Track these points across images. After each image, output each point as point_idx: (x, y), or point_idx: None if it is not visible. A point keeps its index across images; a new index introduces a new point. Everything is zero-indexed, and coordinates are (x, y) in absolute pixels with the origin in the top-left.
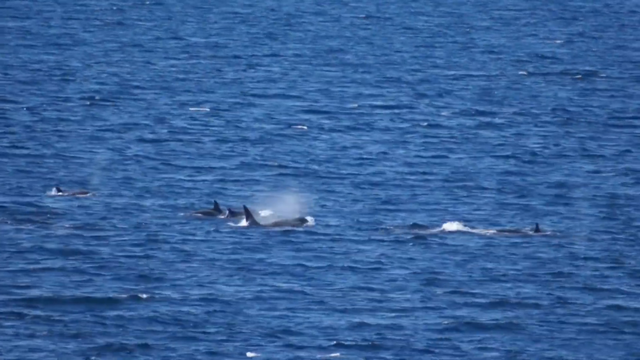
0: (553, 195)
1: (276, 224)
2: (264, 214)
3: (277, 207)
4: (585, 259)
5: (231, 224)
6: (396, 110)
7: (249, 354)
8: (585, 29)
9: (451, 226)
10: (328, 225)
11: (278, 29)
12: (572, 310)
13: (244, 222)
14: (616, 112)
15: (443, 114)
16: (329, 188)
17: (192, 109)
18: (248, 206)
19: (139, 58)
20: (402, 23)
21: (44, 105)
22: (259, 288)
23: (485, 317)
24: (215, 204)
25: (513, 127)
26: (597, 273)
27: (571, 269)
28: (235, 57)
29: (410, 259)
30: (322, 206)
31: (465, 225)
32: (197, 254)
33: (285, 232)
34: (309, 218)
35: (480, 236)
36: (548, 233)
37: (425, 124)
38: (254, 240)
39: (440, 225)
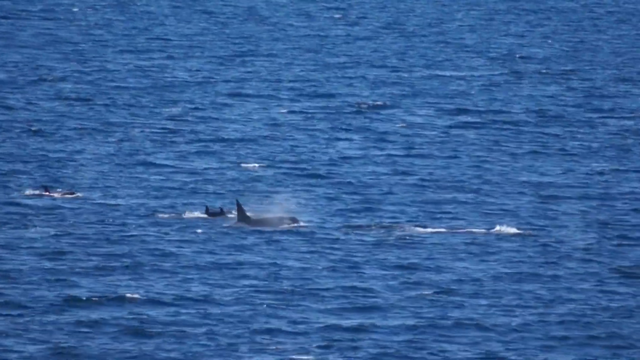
0: (530, 194)
1: (263, 222)
2: (250, 214)
3: (262, 206)
4: (562, 257)
5: (220, 222)
6: (374, 110)
7: (225, 355)
8: (561, 28)
9: (430, 226)
10: (310, 225)
11: (254, 28)
12: (549, 309)
13: (234, 219)
14: (592, 111)
15: (421, 113)
16: (307, 188)
17: (168, 109)
18: (238, 204)
19: (116, 58)
20: (379, 22)
21: (20, 104)
22: (238, 288)
23: (463, 317)
24: (206, 208)
25: (489, 126)
26: (573, 272)
27: (548, 268)
28: (213, 56)
29: (390, 258)
30: (302, 206)
31: (443, 225)
32: (176, 254)
33: (270, 231)
34: (295, 218)
35: (457, 236)
36: (525, 232)
37: (404, 123)
38: (236, 239)
39: (418, 225)
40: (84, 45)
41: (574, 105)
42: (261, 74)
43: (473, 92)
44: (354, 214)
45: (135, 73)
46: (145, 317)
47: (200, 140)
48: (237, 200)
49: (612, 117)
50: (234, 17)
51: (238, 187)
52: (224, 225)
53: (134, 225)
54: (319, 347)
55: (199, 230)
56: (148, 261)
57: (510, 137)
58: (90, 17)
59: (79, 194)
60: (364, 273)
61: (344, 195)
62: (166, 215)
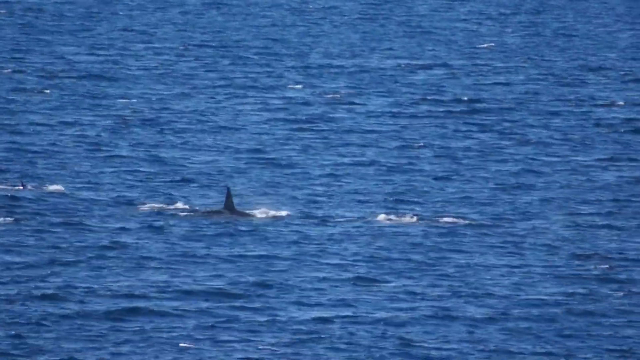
0: (493, 183)
1: (248, 213)
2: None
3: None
4: (525, 247)
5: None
6: (336, 100)
7: (182, 344)
8: (530, 15)
9: (395, 216)
10: (279, 217)
11: (215, 18)
12: (513, 299)
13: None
14: (554, 100)
15: (383, 102)
16: (270, 179)
17: (127, 99)
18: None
19: (74, 49)
20: (342, 12)
21: None
22: (204, 280)
23: (426, 307)
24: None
25: (452, 115)
26: (536, 261)
27: (512, 257)
28: (172, 47)
29: (355, 249)
30: (274, 198)
31: (407, 215)
32: (138, 245)
33: (246, 222)
34: (278, 211)
35: (422, 226)
36: (489, 222)
37: (366, 113)
38: (209, 230)
39: (384, 215)
40: (43, 36)
41: (535, 94)
42: (221, 64)
43: (436, 81)
44: (318, 205)
45: (94, 64)
46: (110, 310)
47: (162, 132)
48: (227, 188)
49: (574, 106)
50: (193, 7)
51: (199, 178)
52: (205, 211)
53: (97, 217)
54: (286, 340)
55: (171, 223)
56: (111, 253)
57: (472, 126)
58: (48, 7)
59: (39, 187)
60: (331, 264)
61: (307, 187)
62: (127, 207)
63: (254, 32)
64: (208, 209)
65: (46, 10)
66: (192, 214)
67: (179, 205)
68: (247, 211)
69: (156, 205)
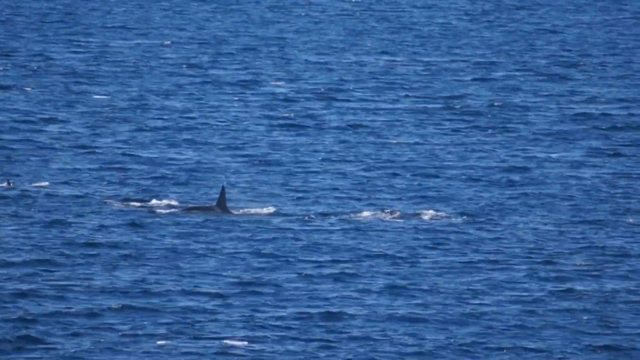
0: (476, 181)
1: (236, 212)
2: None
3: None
4: (510, 244)
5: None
6: (319, 96)
7: (160, 342)
8: (509, 10)
9: (378, 213)
10: (263, 214)
11: (195, 14)
12: (489, 296)
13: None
14: (533, 96)
15: (365, 98)
16: (259, 176)
17: (106, 96)
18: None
19: (53, 45)
20: (325, 8)
21: None
22: (182, 277)
23: (402, 307)
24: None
25: (433, 111)
26: (513, 258)
27: (498, 255)
28: (150, 44)
29: (338, 245)
30: (255, 195)
31: (388, 213)
32: (119, 242)
33: (232, 220)
34: (271, 208)
35: (401, 222)
36: (467, 219)
37: (349, 109)
38: (189, 227)
39: (367, 213)
40: (23, 34)
41: (515, 89)
42: (202, 60)
43: (416, 77)
44: (299, 202)
45: (74, 61)
46: (90, 307)
47: (143, 129)
48: (222, 186)
49: (554, 102)
50: (174, 3)
51: (180, 175)
52: (194, 208)
53: (79, 214)
54: (265, 337)
55: (149, 220)
56: (94, 250)
57: (452, 122)
58: (27, 4)
59: (22, 184)
60: (310, 261)
61: (288, 183)
62: (110, 204)
63: (235, 28)
64: (198, 206)
65: (25, 7)
66: (177, 210)
67: (161, 202)
68: (237, 209)
69: (138, 202)
